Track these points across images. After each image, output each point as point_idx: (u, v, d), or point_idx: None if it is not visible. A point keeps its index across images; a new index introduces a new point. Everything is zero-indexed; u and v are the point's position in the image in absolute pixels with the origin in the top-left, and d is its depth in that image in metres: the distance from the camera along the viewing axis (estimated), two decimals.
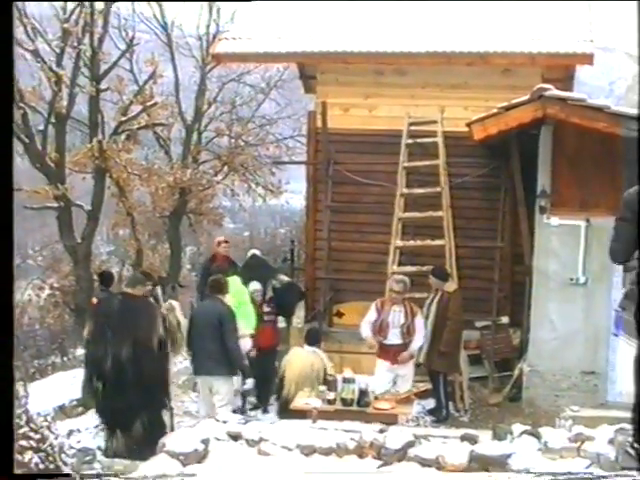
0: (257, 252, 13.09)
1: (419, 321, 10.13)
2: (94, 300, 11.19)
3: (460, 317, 10.89)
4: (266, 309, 11.45)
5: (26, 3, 13.83)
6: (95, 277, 16.18)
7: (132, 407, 8.62)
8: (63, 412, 10.78)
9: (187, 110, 19.56)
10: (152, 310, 9.08)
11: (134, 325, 8.74)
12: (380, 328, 10.04)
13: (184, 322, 9.59)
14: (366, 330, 10.10)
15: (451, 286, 10.89)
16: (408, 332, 10.01)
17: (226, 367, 9.24)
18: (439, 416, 10.63)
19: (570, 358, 10.61)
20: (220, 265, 11.70)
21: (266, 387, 11.21)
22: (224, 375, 9.30)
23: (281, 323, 11.88)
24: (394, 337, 10.04)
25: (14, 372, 4.92)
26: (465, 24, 12.71)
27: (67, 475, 6.30)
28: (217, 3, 17.62)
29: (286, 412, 9.53)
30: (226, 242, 13.32)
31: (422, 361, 10.61)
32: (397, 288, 10.04)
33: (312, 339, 10.48)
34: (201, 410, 9.71)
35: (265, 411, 11.18)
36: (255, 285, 11.39)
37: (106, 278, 11.65)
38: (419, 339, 10.14)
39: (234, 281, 10.53)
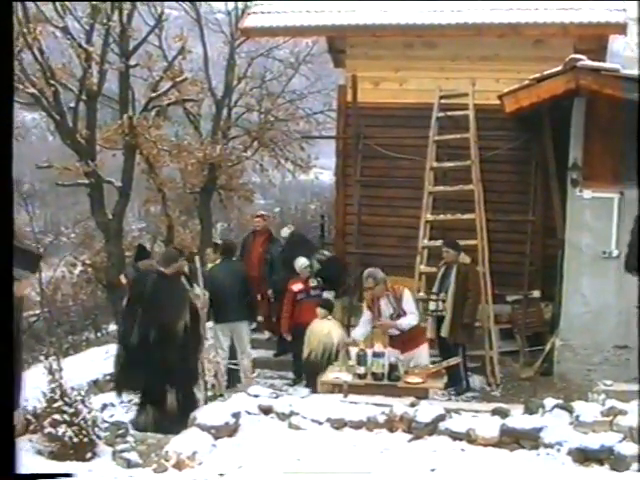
0: (289, 228, 13.19)
1: (407, 304, 9.60)
2: (122, 279, 11.26)
3: (479, 288, 10.98)
4: (312, 284, 11.58)
5: None
6: (127, 253, 16.28)
7: (159, 387, 8.65)
8: (97, 386, 10.92)
9: (217, 86, 19.56)
10: (182, 294, 9.02)
11: (162, 307, 8.68)
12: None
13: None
14: (355, 333, 9.80)
15: (466, 258, 10.88)
16: (398, 319, 9.61)
17: (247, 313, 11.10)
18: (458, 388, 10.60)
19: (602, 332, 10.56)
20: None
21: None
22: (247, 320, 11.15)
23: (329, 298, 11.97)
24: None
25: (14, 372, 4.95)
26: None
27: (69, 475, 6.37)
28: None
29: None
30: (257, 217, 13.42)
31: (444, 335, 10.58)
32: (367, 284, 9.62)
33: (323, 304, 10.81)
34: (221, 353, 11.04)
35: None
36: (302, 261, 11.55)
37: (140, 252, 11.75)
38: (409, 318, 9.55)
39: None
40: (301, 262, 11.57)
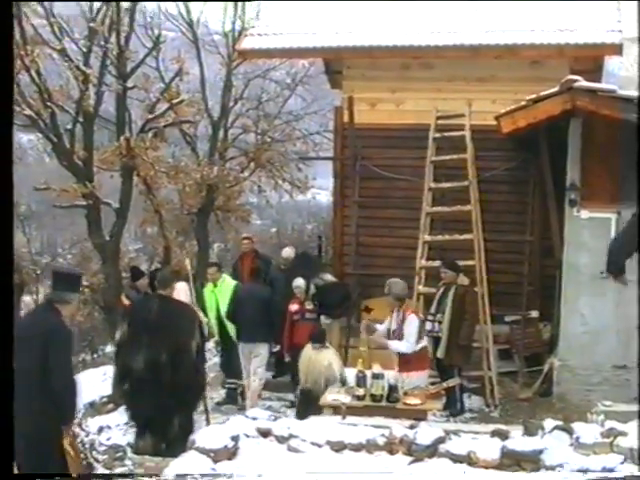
0: (291, 249, 13.17)
1: (407, 328, 9.47)
2: (124, 299, 11.23)
3: (476, 310, 10.98)
4: (308, 307, 11.52)
5: (52, 3, 13.89)
6: (124, 274, 16.25)
7: (166, 410, 8.51)
8: (94, 409, 10.85)
9: (213, 107, 19.58)
10: (191, 314, 8.97)
11: (173, 329, 8.56)
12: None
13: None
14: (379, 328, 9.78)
15: (464, 280, 10.90)
16: (398, 339, 9.50)
17: (267, 335, 11.18)
18: (454, 410, 10.54)
19: (601, 352, 10.55)
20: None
21: None
22: (266, 342, 11.21)
23: (326, 320, 11.88)
24: None
25: (14, 375, 4.99)
26: (492, 16, 12.63)
27: (67, 475, 6.37)
28: None
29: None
30: (246, 239, 13.52)
31: (440, 356, 10.54)
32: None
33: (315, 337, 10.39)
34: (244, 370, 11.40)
35: None
36: (298, 282, 11.53)
37: (136, 273, 11.73)
38: (401, 343, 9.43)
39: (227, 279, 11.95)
40: (296, 283, 11.53)
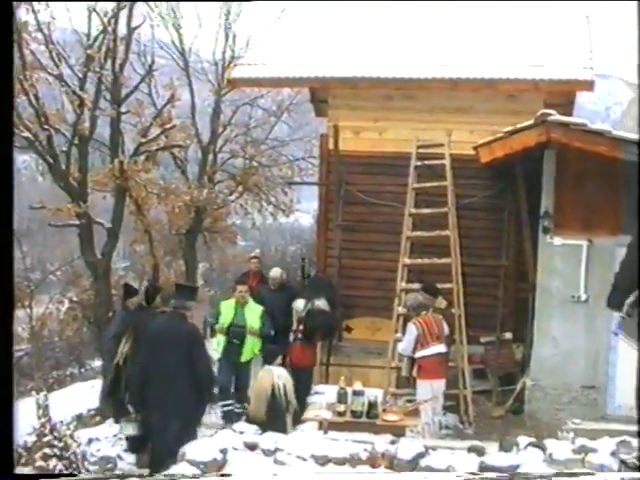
0: (278, 270, 13.34)
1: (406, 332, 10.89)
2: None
3: (452, 332, 11.36)
4: (300, 327, 11.77)
5: (51, 30, 14.28)
6: (113, 291, 16.46)
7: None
8: (82, 421, 11.13)
9: (203, 132, 19.95)
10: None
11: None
12: None
13: None
14: None
15: (442, 302, 11.35)
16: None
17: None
18: None
19: (571, 373, 10.94)
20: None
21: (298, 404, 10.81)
22: None
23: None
24: None
25: (13, 372, 5.38)
26: (471, 51, 13.14)
27: (68, 475, 6.73)
28: (233, 29, 18.10)
29: None
30: (256, 258, 13.83)
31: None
32: None
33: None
34: None
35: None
36: (298, 303, 11.89)
37: (128, 291, 11.83)
38: (400, 344, 11.08)
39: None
40: (295, 305, 11.98)
